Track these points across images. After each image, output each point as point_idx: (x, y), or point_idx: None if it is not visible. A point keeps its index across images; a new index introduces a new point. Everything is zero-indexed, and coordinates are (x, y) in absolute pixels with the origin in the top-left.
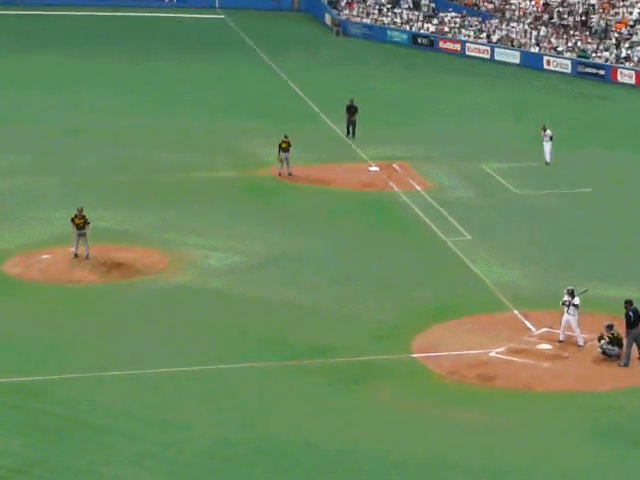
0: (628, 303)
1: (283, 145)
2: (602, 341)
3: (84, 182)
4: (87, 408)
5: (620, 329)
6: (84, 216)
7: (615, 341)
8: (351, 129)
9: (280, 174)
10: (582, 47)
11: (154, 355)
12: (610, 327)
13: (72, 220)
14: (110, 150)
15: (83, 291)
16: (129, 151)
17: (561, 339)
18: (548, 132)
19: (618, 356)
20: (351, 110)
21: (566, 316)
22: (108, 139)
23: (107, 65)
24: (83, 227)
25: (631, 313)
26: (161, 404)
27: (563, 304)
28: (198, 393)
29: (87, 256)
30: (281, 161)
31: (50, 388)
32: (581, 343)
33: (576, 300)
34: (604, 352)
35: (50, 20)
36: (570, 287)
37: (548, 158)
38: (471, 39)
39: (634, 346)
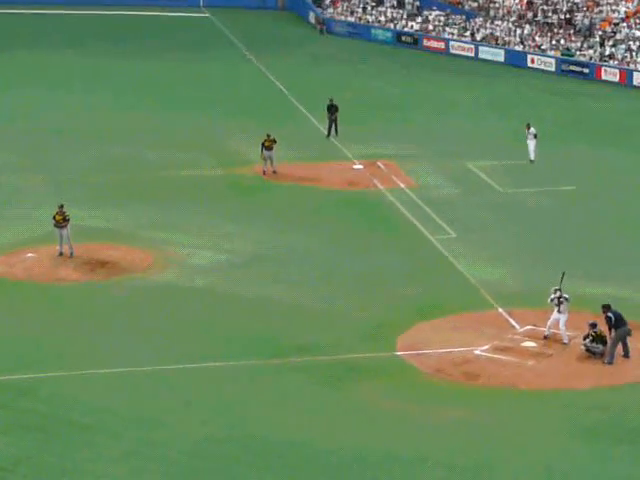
0: (605, 307)
1: (266, 144)
2: (586, 339)
3: (69, 180)
4: (72, 406)
5: (603, 328)
6: (64, 213)
7: (599, 339)
8: (333, 128)
9: (265, 172)
10: (566, 45)
11: (139, 353)
12: (593, 325)
13: (53, 217)
14: (95, 148)
15: (67, 289)
16: (114, 149)
17: (546, 334)
18: (532, 130)
19: (602, 354)
20: (332, 109)
21: (556, 314)
22: (93, 137)
23: (92, 64)
24: (62, 224)
25: (611, 314)
26: (147, 402)
27: (552, 301)
28: (183, 391)
29: (71, 254)
30: (265, 159)
31: (35, 386)
32: (566, 341)
33: (566, 295)
34: (588, 350)
35: (38, 18)
36: (556, 287)
37: (532, 156)
38: (455, 37)
39: (619, 345)
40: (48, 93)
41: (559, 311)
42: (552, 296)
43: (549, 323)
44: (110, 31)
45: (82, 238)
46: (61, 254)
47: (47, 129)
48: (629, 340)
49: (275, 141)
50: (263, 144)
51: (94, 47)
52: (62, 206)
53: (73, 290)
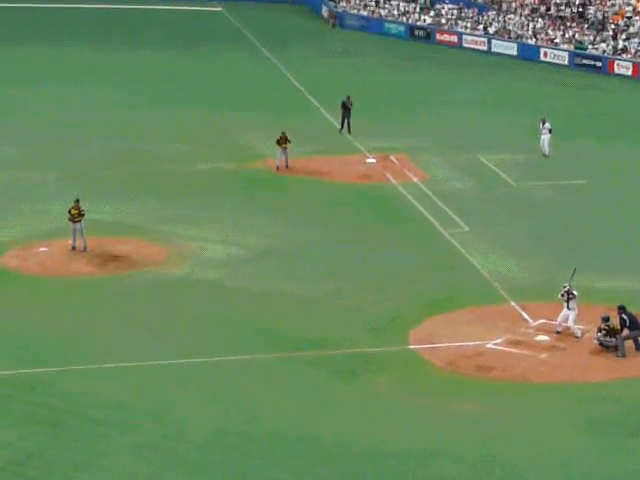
0: (620, 309)
1: (282, 142)
2: (599, 333)
3: (81, 175)
4: (85, 400)
5: (616, 321)
6: (79, 207)
7: (612, 332)
8: (346, 124)
9: (278, 167)
10: (579, 39)
11: (152, 347)
12: (606, 319)
13: (69, 212)
14: (107, 143)
15: (80, 283)
16: (126, 144)
17: (559, 330)
18: (547, 125)
19: (615, 347)
20: (347, 106)
21: (565, 311)
22: (105, 132)
23: (104, 58)
24: (77, 219)
25: (625, 317)
26: (159, 396)
27: (562, 297)
28: (196, 385)
29: (84, 248)
30: (279, 155)
31: (48, 380)
32: (579, 335)
33: (574, 291)
34: (601, 344)
35: (47, 13)
36: (565, 284)
37: (547, 151)
38: (468, 31)
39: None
40: (59, 88)
41: (568, 307)
42: (562, 291)
43: (559, 319)
44: (123, 25)
45: (94, 232)
46: (74, 248)
47: (59, 124)
48: None
49: (289, 140)
50: (278, 141)
51: (106, 42)
52: (78, 201)
53: (85, 284)
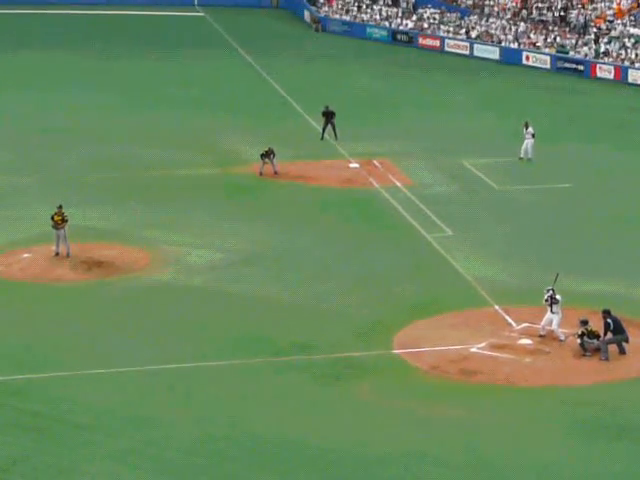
0: (605, 313)
1: (266, 156)
2: (580, 339)
3: (64, 180)
4: (69, 406)
5: (597, 326)
6: (63, 213)
7: (590, 335)
8: (331, 132)
9: (261, 173)
10: (561, 42)
11: (136, 352)
12: (585, 322)
13: (52, 218)
14: (90, 148)
15: (64, 289)
16: (109, 149)
17: (542, 334)
18: (530, 129)
19: (596, 348)
20: (328, 115)
21: (549, 315)
22: (88, 137)
23: (87, 63)
24: (61, 225)
25: (610, 321)
26: (143, 401)
27: (546, 301)
28: (180, 390)
29: (68, 254)
30: (265, 163)
31: (31, 386)
32: (562, 338)
33: (558, 296)
34: (582, 345)
35: (31, 18)
36: (549, 287)
37: (530, 154)
38: (450, 35)
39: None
40: (42, 93)
41: (552, 311)
42: (546, 296)
43: (543, 323)
44: (105, 31)
45: (78, 238)
46: (57, 254)
47: (43, 129)
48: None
49: (274, 154)
50: (262, 155)
51: (88, 47)
52: (61, 207)
53: (69, 290)
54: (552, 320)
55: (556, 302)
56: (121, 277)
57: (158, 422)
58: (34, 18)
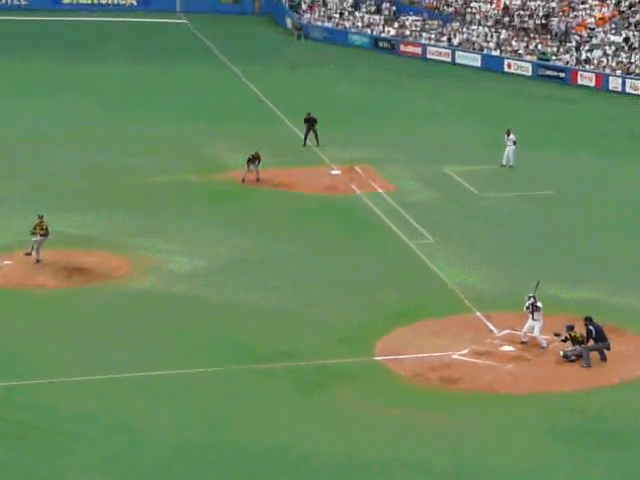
0: (587, 320)
1: (252, 161)
2: (562, 340)
3: (46, 187)
4: (49, 414)
5: (580, 331)
6: (43, 224)
7: (574, 340)
8: (314, 139)
9: (244, 180)
10: (542, 50)
11: (118, 360)
12: (571, 328)
13: (34, 227)
14: (72, 155)
15: (45, 296)
16: (91, 156)
17: (524, 340)
18: (512, 137)
19: (579, 355)
20: (310, 122)
21: (530, 322)
22: (69, 144)
23: (68, 71)
24: (42, 233)
25: (592, 328)
26: (124, 409)
27: (527, 309)
28: (161, 397)
29: (38, 260)
30: (249, 170)
31: (13, 394)
32: (544, 345)
33: (539, 303)
34: (565, 356)
35: (10, 25)
36: (530, 294)
37: (512, 161)
38: (432, 42)
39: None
40: (24, 100)
41: (533, 318)
42: (527, 303)
43: (524, 330)
44: (86, 37)
45: (60, 244)
46: (38, 261)
47: (24, 136)
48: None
49: (259, 159)
50: (249, 159)
51: (69, 53)
52: (42, 217)
53: (50, 297)
54: (534, 327)
55: (537, 309)
56: (102, 284)
57: (140, 429)
58: (16, 24)
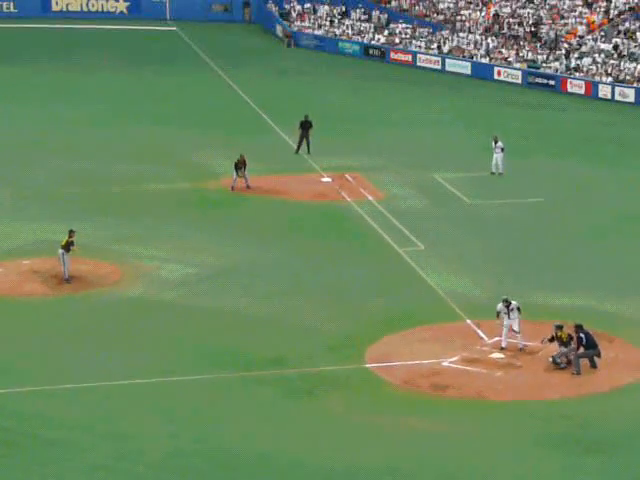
0: (577, 327)
1: (240, 166)
2: (552, 350)
3: (35, 194)
4: (38, 421)
5: (569, 331)
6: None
7: (560, 340)
8: (305, 145)
9: (233, 188)
10: (532, 58)
11: (107, 367)
12: (560, 327)
13: (70, 243)
14: (61, 162)
15: (35, 304)
16: (80, 163)
17: (503, 346)
18: (499, 144)
19: (568, 362)
20: (305, 126)
21: (507, 321)
22: (58, 151)
23: (57, 78)
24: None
25: (582, 335)
26: (114, 416)
27: (500, 313)
28: (151, 405)
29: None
30: (239, 177)
31: (1, 401)
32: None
33: (514, 302)
34: (554, 361)
35: (2, 32)
36: (504, 297)
37: (501, 169)
38: (422, 50)
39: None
40: (13, 107)
41: (509, 317)
42: (499, 307)
43: (503, 335)
44: (76, 44)
45: (49, 252)
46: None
47: (13, 143)
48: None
49: (246, 164)
50: (236, 164)
51: (60, 61)
52: (72, 231)
53: (40, 304)
54: (511, 325)
55: (512, 310)
56: (92, 292)
57: (129, 437)
58: (3, 32)
